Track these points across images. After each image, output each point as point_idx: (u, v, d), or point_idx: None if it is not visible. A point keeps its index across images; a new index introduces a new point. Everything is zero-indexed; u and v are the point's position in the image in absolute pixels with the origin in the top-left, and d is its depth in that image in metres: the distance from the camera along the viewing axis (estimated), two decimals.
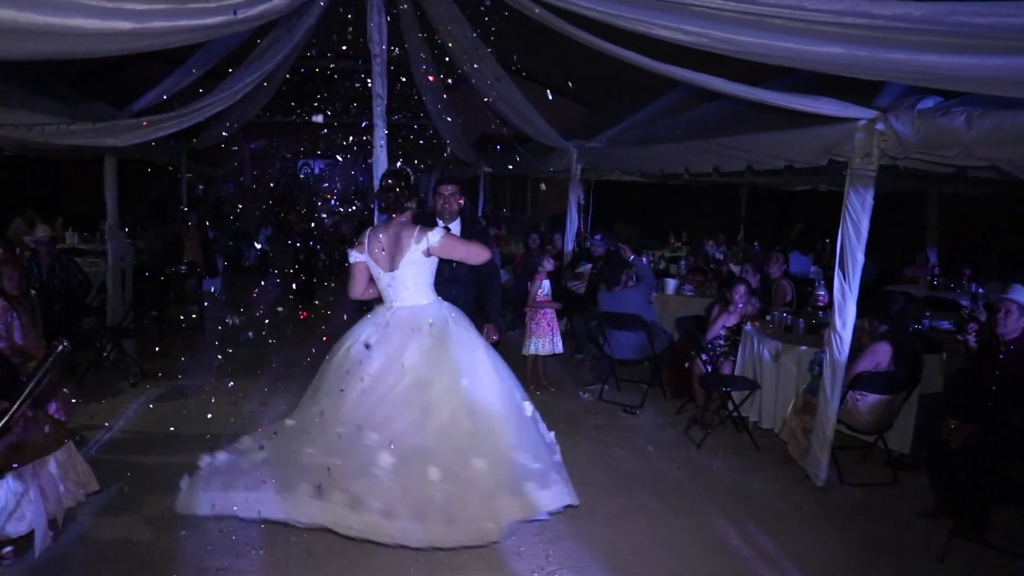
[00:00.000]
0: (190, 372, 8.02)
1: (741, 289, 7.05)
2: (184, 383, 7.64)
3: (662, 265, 11.06)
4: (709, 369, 6.84)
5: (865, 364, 5.51)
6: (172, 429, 6.30)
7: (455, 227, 5.22)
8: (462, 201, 5.35)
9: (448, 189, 5.32)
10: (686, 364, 7.23)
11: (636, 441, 6.52)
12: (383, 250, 4.46)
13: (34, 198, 12.61)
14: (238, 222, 17.04)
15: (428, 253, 4.42)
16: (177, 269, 10.04)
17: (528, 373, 7.87)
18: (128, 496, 5.12)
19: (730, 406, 6.57)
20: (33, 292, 7.40)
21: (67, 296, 7.68)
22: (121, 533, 4.63)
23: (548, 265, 7.93)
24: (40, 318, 5.46)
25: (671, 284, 9.21)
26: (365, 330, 4.44)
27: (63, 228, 11.62)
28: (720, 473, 5.89)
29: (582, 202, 10.56)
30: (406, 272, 4.41)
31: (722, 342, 7.14)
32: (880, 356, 5.50)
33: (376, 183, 6.89)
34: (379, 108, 6.58)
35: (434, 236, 4.44)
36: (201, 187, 16.04)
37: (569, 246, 10.50)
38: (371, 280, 4.59)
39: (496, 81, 8.76)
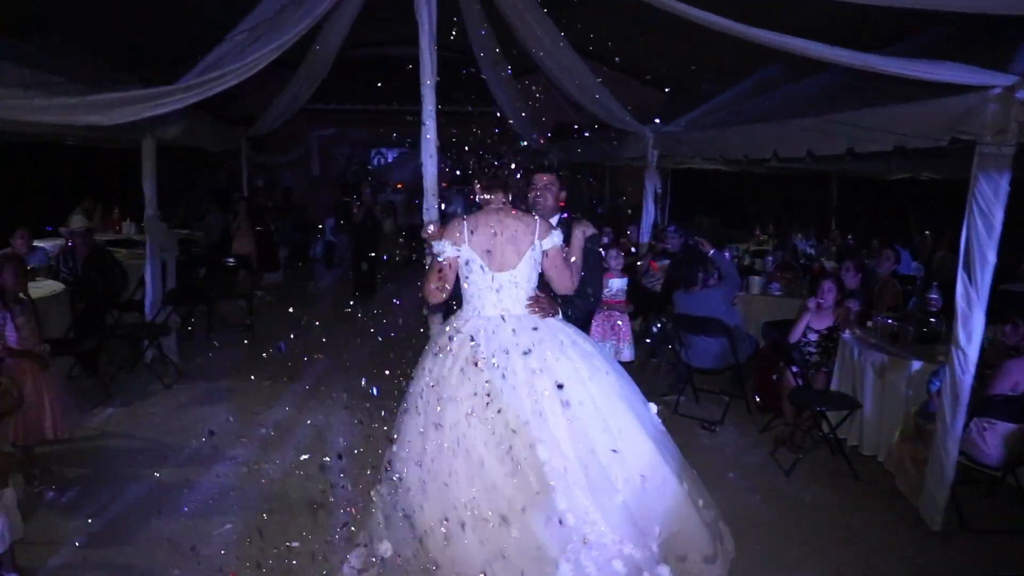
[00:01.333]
0: (230, 373, 7.52)
1: (827, 284, 6.15)
2: (221, 386, 7.12)
3: (746, 260, 10.07)
4: (800, 383, 5.95)
5: (1001, 385, 4.56)
6: (193, 442, 5.76)
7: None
8: (563, 195, 4.39)
9: (543, 179, 4.32)
10: (774, 376, 6.35)
11: (714, 465, 5.68)
12: (494, 243, 3.63)
13: (95, 188, 12.40)
14: (305, 213, 16.66)
15: (545, 255, 3.71)
16: (225, 262, 9.59)
17: None
18: (125, 520, 4.57)
19: (825, 427, 5.68)
20: (66, 286, 7.03)
21: (103, 290, 7.25)
22: (111, 567, 4.08)
23: (613, 261, 7.11)
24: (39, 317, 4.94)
25: (756, 282, 8.27)
26: (467, 338, 3.62)
27: (120, 219, 11.30)
28: (813, 508, 5.02)
29: (659, 191, 9.69)
30: (523, 272, 3.66)
31: (813, 349, 6.23)
32: (1020, 375, 4.54)
33: (427, 166, 6.29)
34: (427, 82, 5.99)
35: (557, 237, 3.72)
36: (261, 179, 15.64)
37: (644, 239, 9.67)
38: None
39: (566, 62, 8.04)
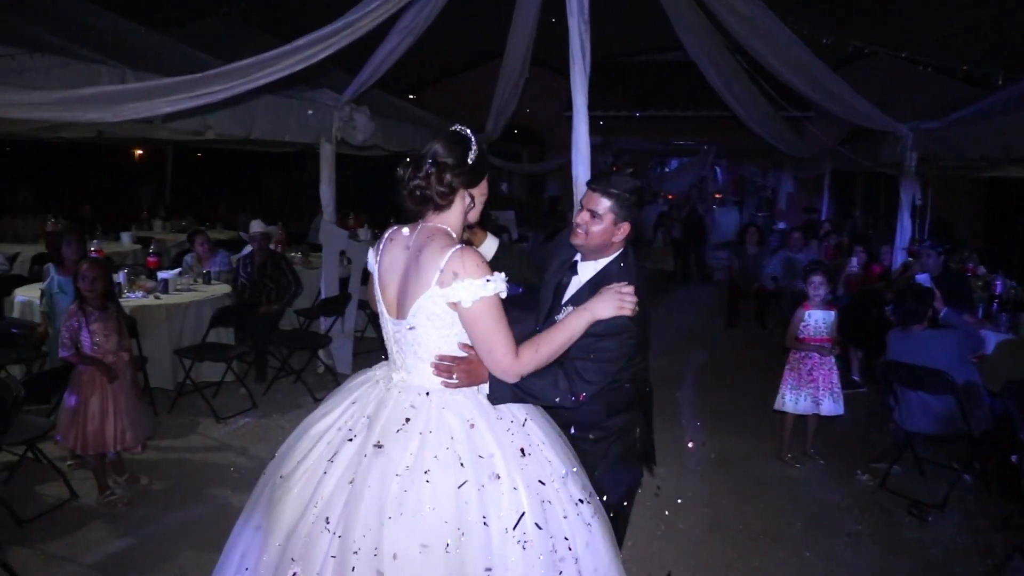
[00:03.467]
0: None
1: None
2: None
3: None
4: None
5: None
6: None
7: (589, 268, 2.92)
8: (622, 229, 2.82)
9: (592, 201, 2.81)
10: (1013, 456, 4.64)
11: (910, 571, 4.20)
12: (391, 275, 2.52)
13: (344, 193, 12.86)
14: (558, 224, 16.31)
15: (456, 307, 2.38)
16: None
17: (784, 436, 5.75)
18: (160, 544, 4.26)
19: None
20: (241, 290, 7.10)
21: (270, 297, 7.23)
22: None
23: (816, 288, 5.67)
24: (124, 325, 4.80)
25: None
26: (349, 408, 2.55)
27: (358, 223, 11.52)
28: None
29: (918, 202, 7.90)
30: (417, 327, 2.44)
31: None
32: None
33: (578, 170, 5.45)
34: (578, 73, 5.19)
35: (471, 288, 2.33)
36: (505, 185, 15.47)
37: (898, 261, 7.93)
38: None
39: (792, 55, 6.77)
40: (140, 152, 15.84)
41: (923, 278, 5.86)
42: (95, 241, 8.06)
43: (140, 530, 4.39)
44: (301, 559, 2.23)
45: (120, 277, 6.53)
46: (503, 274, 2.41)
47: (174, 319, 6.31)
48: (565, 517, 2.35)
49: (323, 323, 7.34)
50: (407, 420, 2.37)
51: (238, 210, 13.84)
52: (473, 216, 2.60)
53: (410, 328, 2.44)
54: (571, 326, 2.55)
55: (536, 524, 2.27)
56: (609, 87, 18.67)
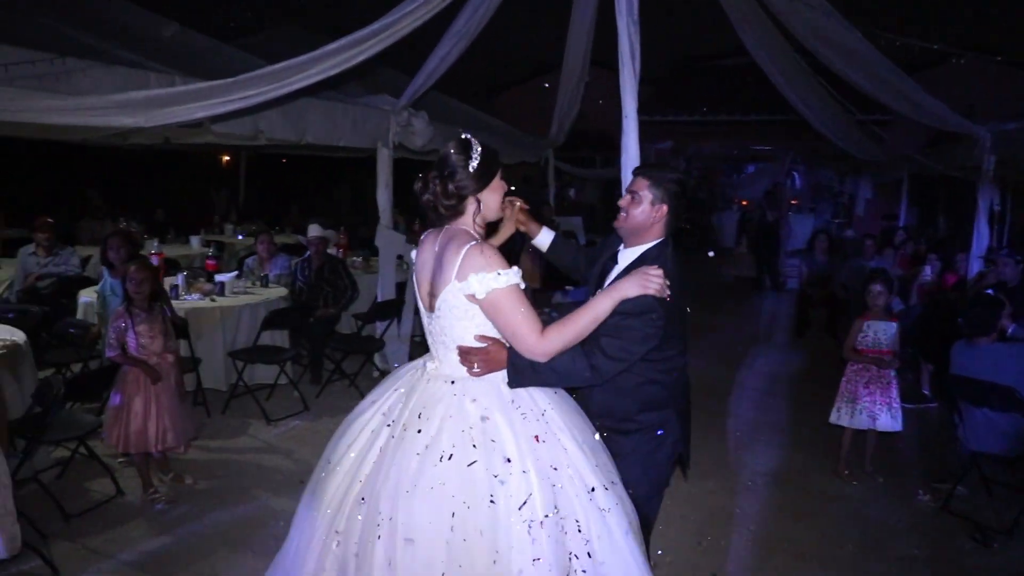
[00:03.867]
0: None
1: None
2: None
3: None
4: None
5: None
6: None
7: (628, 255, 2.94)
8: (660, 211, 2.87)
9: (634, 184, 2.93)
10: None
11: None
12: (424, 270, 2.69)
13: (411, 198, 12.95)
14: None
15: (473, 299, 2.52)
16: None
17: (842, 451, 5.49)
18: (197, 544, 4.30)
19: None
20: (299, 294, 7.19)
21: (327, 301, 7.30)
22: None
23: (875, 298, 5.41)
24: (170, 327, 4.87)
25: None
26: (392, 396, 2.71)
27: (424, 229, 11.54)
28: None
29: (996, 208, 7.51)
30: (442, 319, 2.61)
31: None
32: None
33: (628, 169, 5.31)
34: (627, 74, 5.04)
35: (484, 280, 2.47)
36: (573, 190, 15.31)
37: (974, 269, 7.54)
38: None
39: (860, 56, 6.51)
40: (227, 158, 16.30)
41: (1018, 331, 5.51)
42: (155, 243, 8.27)
43: (179, 529, 4.46)
44: (344, 532, 2.47)
45: (179, 280, 6.69)
46: (517, 268, 2.55)
47: (228, 321, 6.42)
48: (578, 502, 2.43)
49: (379, 327, 7.38)
50: (432, 406, 2.55)
51: (308, 214, 14.08)
52: (490, 214, 2.75)
53: (438, 319, 2.62)
54: (597, 306, 2.63)
55: (545, 506, 2.37)
56: (685, 91, 18.41)
